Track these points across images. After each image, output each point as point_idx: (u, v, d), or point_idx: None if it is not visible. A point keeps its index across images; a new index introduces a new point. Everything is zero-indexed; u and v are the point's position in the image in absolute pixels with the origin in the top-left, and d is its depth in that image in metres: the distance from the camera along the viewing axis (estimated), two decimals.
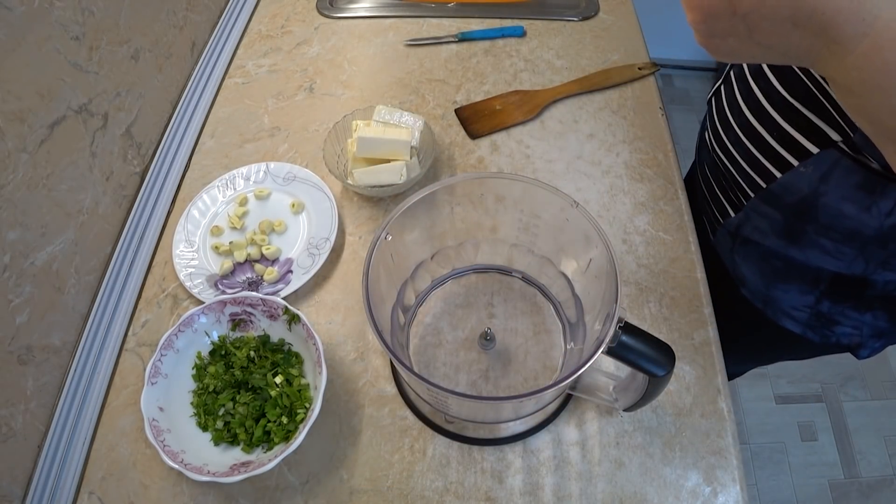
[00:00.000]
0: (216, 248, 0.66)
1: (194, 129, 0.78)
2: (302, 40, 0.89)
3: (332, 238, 0.65)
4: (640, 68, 0.82)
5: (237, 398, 0.54)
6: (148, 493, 0.52)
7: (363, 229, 0.68)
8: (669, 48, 2.03)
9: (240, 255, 0.65)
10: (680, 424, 0.54)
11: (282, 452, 0.48)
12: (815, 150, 0.52)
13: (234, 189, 0.71)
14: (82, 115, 0.59)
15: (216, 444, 0.53)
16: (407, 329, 0.58)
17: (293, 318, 0.56)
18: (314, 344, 0.53)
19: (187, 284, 0.62)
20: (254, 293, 0.57)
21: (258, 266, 0.64)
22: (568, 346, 0.56)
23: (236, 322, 0.58)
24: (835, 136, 0.50)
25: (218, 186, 0.70)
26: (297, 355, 0.57)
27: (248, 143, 0.77)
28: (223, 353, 0.57)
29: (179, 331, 0.55)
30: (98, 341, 0.59)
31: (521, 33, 0.89)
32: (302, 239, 0.67)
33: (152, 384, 0.53)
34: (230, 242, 0.66)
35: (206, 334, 0.57)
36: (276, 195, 0.71)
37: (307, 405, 0.53)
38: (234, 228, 0.68)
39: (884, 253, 0.55)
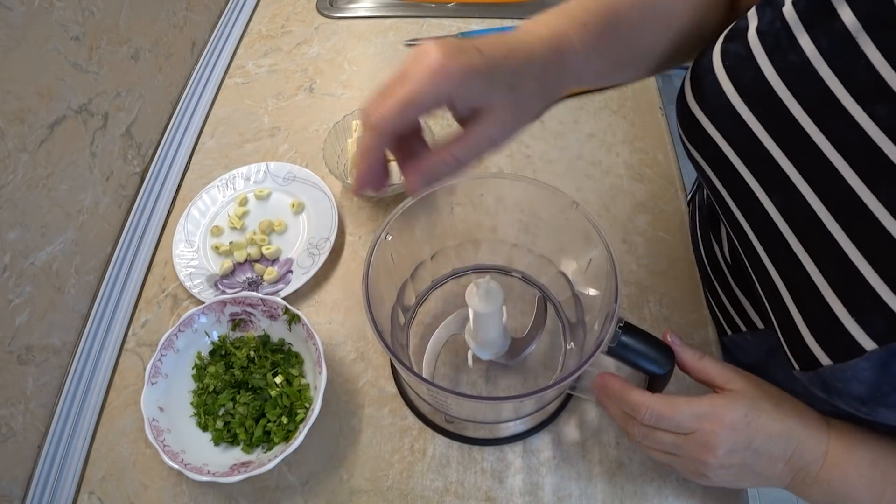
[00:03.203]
0: (216, 248, 0.66)
1: (194, 129, 0.78)
2: (302, 40, 0.89)
3: (332, 238, 0.65)
4: None
5: (237, 398, 0.54)
6: (148, 493, 0.52)
7: (363, 229, 0.68)
8: None
9: (240, 255, 0.65)
10: None
11: (282, 452, 0.48)
12: (761, 325, 0.48)
13: (234, 189, 0.71)
14: (82, 115, 0.59)
15: (216, 444, 0.53)
16: (407, 329, 0.58)
17: (293, 318, 0.56)
18: (314, 344, 0.53)
19: (187, 284, 0.62)
20: (254, 293, 0.57)
21: (258, 266, 0.64)
22: (568, 346, 0.56)
23: (236, 322, 0.58)
24: None
25: (218, 186, 0.70)
26: (297, 355, 0.57)
27: (248, 143, 0.77)
28: (223, 353, 0.57)
29: (179, 331, 0.55)
30: (98, 341, 0.59)
31: None
32: (302, 239, 0.67)
33: (152, 384, 0.52)
34: (230, 242, 0.66)
35: (206, 334, 0.57)
36: (276, 195, 0.71)
37: (307, 405, 0.53)
38: (234, 228, 0.68)
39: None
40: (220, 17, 0.88)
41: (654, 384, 0.45)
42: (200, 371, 0.56)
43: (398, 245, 0.51)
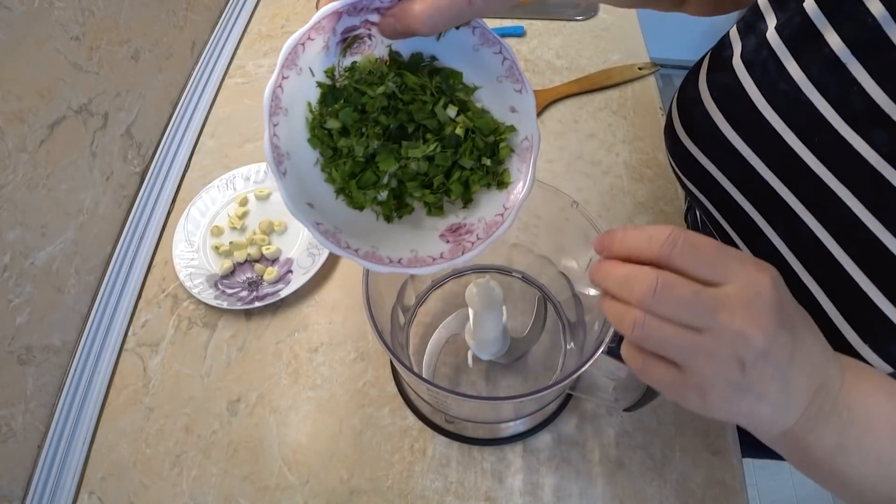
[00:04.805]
0: (216, 248, 0.66)
1: (194, 129, 0.78)
2: None
3: None
4: (640, 68, 0.82)
5: (404, 153, 0.36)
6: (148, 493, 0.52)
7: None
8: (669, 48, 2.04)
9: (240, 255, 0.65)
10: (680, 424, 0.54)
11: (513, 199, 0.34)
12: None
13: (234, 189, 0.71)
14: (82, 115, 0.59)
15: (389, 220, 0.37)
16: (407, 329, 0.58)
17: None
18: (495, 44, 0.34)
19: (187, 284, 0.62)
20: None
21: (258, 266, 0.64)
22: (568, 346, 0.56)
23: (348, 42, 0.36)
24: None
25: (218, 186, 0.70)
26: (452, 73, 0.37)
27: (248, 143, 0.77)
28: (341, 96, 0.36)
29: (283, 77, 0.33)
30: (98, 341, 0.59)
31: (521, 33, 0.88)
32: (302, 239, 0.67)
33: (283, 174, 0.32)
34: (230, 242, 0.66)
35: (311, 72, 0.35)
36: (276, 195, 0.71)
37: (505, 137, 0.36)
38: (235, 228, 0.68)
39: None
40: (220, 17, 0.88)
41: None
42: (320, 133, 0.35)
43: None
